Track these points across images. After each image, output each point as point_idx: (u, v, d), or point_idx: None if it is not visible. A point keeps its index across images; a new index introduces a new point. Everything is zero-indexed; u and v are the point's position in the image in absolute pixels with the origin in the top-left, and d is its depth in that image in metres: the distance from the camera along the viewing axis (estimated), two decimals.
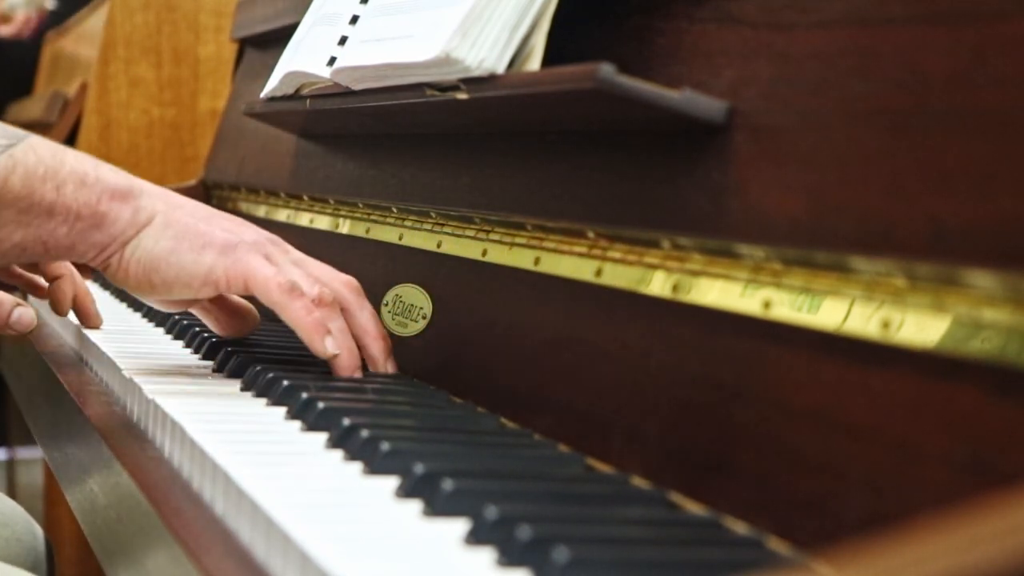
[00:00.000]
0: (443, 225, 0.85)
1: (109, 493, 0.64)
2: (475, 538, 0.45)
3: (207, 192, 1.40)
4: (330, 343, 0.74)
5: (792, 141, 0.55)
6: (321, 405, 0.64)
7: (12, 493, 2.41)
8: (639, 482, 0.57)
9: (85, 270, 0.92)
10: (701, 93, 0.59)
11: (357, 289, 0.79)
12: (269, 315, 1.08)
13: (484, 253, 0.78)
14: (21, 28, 2.85)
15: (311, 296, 0.74)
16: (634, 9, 0.69)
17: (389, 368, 0.78)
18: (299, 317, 0.73)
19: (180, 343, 0.92)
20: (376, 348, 0.78)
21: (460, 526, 0.47)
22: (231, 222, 0.79)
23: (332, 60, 0.88)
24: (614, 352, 0.63)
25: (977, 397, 0.43)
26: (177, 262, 0.75)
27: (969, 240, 0.45)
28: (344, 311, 0.76)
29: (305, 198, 1.11)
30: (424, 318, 0.82)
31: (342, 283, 0.78)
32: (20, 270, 0.93)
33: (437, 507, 0.49)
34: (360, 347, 0.77)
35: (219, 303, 0.83)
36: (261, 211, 1.22)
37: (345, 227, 1.01)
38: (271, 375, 0.72)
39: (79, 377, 0.85)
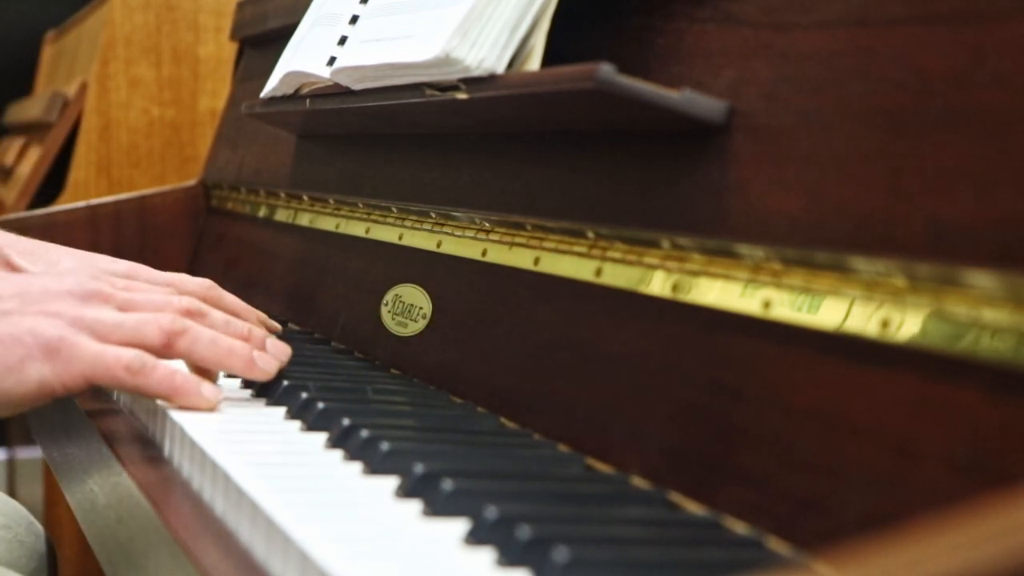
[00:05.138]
0: (443, 225, 0.85)
1: (109, 493, 0.64)
2: (475, 538, 0.45)
3: (207, 192, 1.40)
4: (208, 391, 0.66)
5: (792, 141, 0.55)
6: (321, 405, 0.64)
7: (12, 493, 2.41)
8: (639, 482, 0.57)
9: None
10: (701, 93, 0.59)
11: (193, 305, 0.70)
12: (273, 316, 1.08)
13: (484, 253, 0.78)
14: None
15: (166, 329, 0.66)
16: (634, 9, 0.69)
17: (274, 360, 0.71)
18: (166, 388, 0.65)
19: None
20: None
21: (460, 526, 0.47)
22: (40, 289, 0.67)
23: (332, 60, 0.87)
24: (614, 352, 0.63)
25: (977, 397, 0.43)
26: None
27: (969, 240, 0.45)
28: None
29: (305, 198, 1.10)
30: (424, 318, 0.82)
31: (182, 304, 0.70)
32: None
33: (437, 507, 0.49)
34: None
35: None
36: (261, 212, 1.22)
37: (345, 227, 1.01)
38: None
39: None
